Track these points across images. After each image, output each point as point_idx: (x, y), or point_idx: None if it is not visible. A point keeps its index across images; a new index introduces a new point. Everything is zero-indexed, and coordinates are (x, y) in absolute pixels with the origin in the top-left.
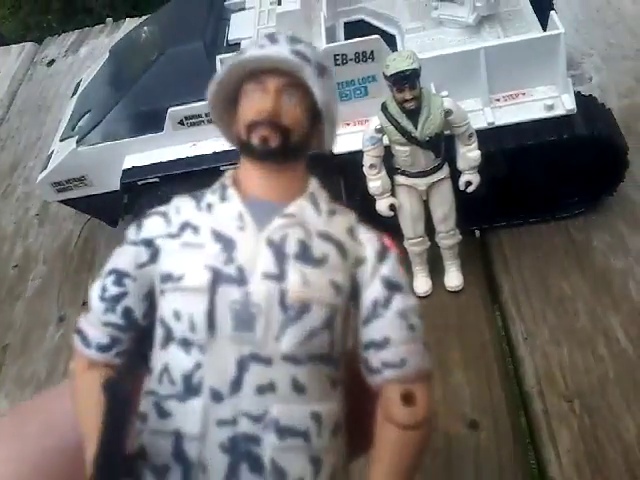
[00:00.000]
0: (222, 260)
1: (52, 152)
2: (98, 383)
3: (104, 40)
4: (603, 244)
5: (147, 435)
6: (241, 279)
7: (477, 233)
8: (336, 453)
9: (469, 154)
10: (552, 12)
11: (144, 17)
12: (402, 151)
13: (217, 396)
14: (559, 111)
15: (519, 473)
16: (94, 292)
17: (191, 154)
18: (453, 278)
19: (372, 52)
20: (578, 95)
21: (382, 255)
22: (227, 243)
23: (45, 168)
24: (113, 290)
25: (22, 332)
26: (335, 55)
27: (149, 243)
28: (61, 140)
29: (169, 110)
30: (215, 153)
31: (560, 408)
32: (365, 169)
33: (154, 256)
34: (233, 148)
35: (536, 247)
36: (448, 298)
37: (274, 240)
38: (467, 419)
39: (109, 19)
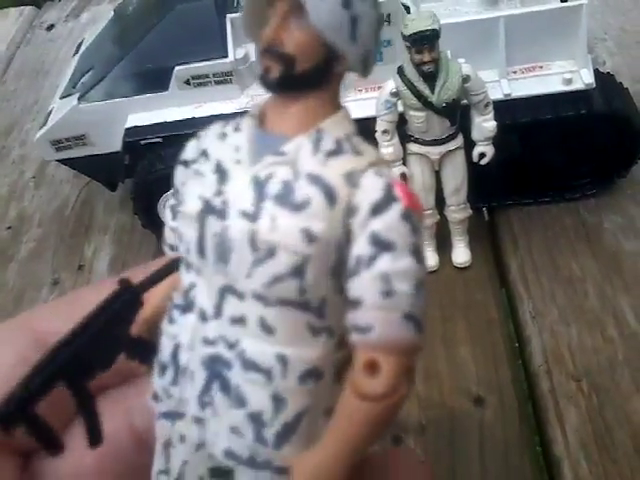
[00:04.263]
0: (213, 191)
1: (52, 110)
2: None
3: (106, 6)
4: (614, 226)
5: (162, 334)
6: (223, 213)
7: (485, 213)
8: (309, 398)
9: (485, 124)
10: None
11: None
12: (417, 117)
13: (204, 316)
14: (577, 85)
15: (524, 451)
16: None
17: (196, 115)
18: (461, 254)
19: (389, 15)
20: (596, 72)
21: (379, 206)
22: (222, 175)
23: (44, 125)
24: (172, 201)
25: (14, 293)
26: None
27: (186, 164)
28: (61, 98)
29: (175, 69)
30: (221, 115)
31: (568, 387)
32: (378, 135)
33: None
34: (240, 110)
35: (546, 227)
36: (455, 274)
37: (259, 178)
38: (472, 395)
39: None
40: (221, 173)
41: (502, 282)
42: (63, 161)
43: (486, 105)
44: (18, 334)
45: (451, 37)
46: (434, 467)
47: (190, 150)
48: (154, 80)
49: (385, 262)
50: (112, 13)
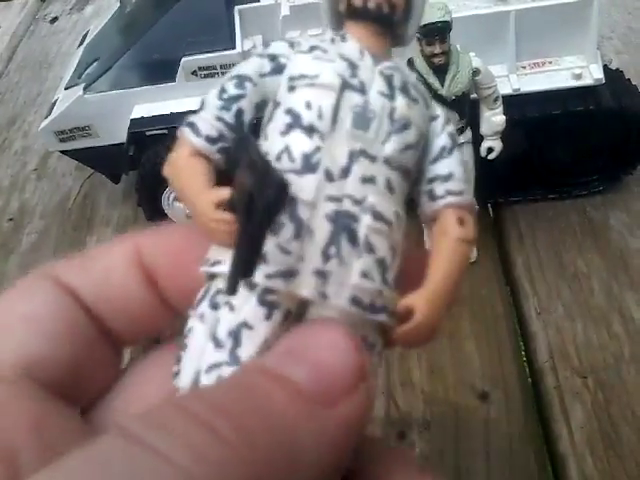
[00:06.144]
0: (348, 74)
1: (56, 100)
2: (202, 164)
3: (109, 0)
4: (620, 224)
5: None
6: (362, 90)
7: (490, 209)
8: (402, 253)
9: (493, 118)
10: None
11: None
12: None
13: (329, 176)
14: (587, 81)
15: (529, 447)
16: (212, 92)
17: None
18: None
19: None
20: (605, 68)
21: (447, 119)
22: (351, 64)
23: (48, 115)
24: (233, 91)
25: None
26: None
27: (274, 58)
28: (66, 88)
29: (182, 60)
30: None
31: (573, 384)
32: None
33: (278, 69)
34: None
35: (552, 224)
36: None
37: (385, 73)
38: (477, 390)
39: None
40: (350, 62)
41: (507, 278)
42: (67, 152)
43: (495, 99)
44: (42, 284)
45: (461, 31)
46: (438, 463)
47: (284, 48)
48: (161, 71)
49: (459, 152)
50: (118, 4)
